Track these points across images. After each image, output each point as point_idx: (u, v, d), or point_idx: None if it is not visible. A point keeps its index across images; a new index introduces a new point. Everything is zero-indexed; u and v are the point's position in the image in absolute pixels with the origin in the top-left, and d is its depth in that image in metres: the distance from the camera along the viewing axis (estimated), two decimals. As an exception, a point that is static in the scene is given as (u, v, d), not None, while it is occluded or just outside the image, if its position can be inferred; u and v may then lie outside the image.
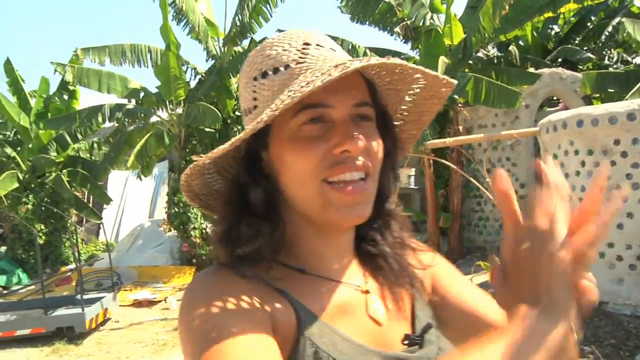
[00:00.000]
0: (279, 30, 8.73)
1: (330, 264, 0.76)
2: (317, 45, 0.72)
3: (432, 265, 0.85)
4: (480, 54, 8.71)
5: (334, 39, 8.58)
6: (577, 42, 10.70)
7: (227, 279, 0.68)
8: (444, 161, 5.74)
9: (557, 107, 9.31)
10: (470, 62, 8.51)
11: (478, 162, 8.22)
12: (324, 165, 0.68)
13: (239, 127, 9.95)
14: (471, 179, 5.58)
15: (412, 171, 12.03)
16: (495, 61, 9.02)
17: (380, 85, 0.78)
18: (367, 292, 0.77)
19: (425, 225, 9.23)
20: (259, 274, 0.69)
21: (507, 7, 6.87)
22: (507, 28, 7.77)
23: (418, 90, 0.79)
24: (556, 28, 11.51)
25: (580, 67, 10.26)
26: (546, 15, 8.24)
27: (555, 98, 9.89)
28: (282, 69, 0.70)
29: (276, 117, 0.65)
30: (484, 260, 3.75)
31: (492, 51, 9.23)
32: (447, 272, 0.89)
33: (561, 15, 10.61)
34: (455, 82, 0.77)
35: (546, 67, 8.66)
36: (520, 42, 10.24)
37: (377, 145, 0.71)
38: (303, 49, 0.71)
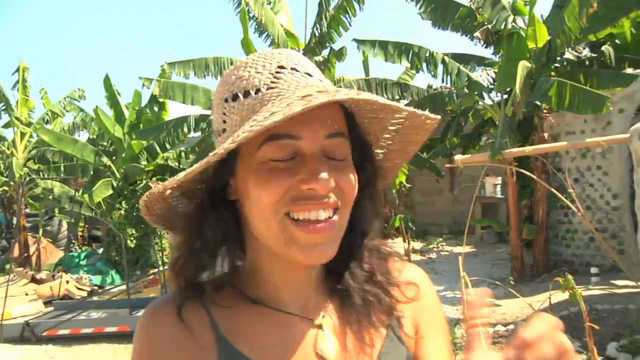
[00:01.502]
0: (355, 40, 8.74)
1: (288, 297, 0.74)
2: (292, 69, 0.69)
3: (415, 300, 0.79)
4: (570, 56, 8.19)
5: (411, 46, 8.56)
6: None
7: (154, 329, 0.71)
8: (524, 171, 5.42)
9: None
10: (557, 65, 8.03)
11: (565, 172, 7.72)
12: (287, 199, 0.65)
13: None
14: (554, 190, 5.24)
15: (499, 180, 11.55)
16: (587, 63, 8.43)
17: (361, 113, 0.74)
18: (319, 326, 0.73)
19: (510, 237, 8.80)
20: (204, 303, 0.71)
21: (595, 5, 6.38)
22: (597, 27, 7.22)
23: (402, 120, 0.74)
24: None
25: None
26: (647, 9, 7.60)
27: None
28: (252, 92, 0.68)
29: (243, 145, 0.64)
30: (571, 274, 3.50)
31: (584, 52, 8.63)
32: (432, 329, 0.81)
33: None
34: (438, 117, 0.72)
35: (646, 68, 7.96)
36: (617, 41, 9.50)
37: (351, 180, 0.68)
38: (277, 72, 0.68)
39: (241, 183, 0.69)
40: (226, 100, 0.70)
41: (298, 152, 0.65)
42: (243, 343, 0.70)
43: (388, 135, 0.78)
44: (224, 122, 0.70)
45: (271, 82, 0.67)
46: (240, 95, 0.68)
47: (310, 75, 0.70)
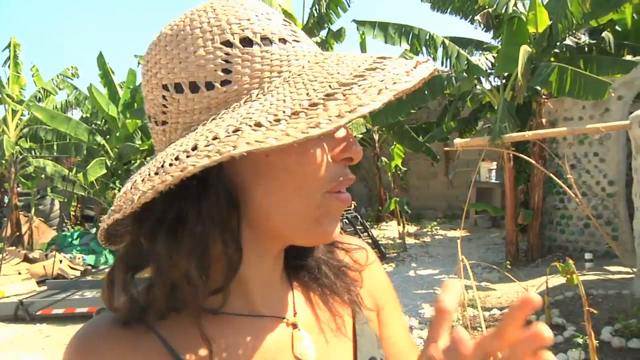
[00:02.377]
0: (354, 21, 8.62)
1: (254, 297, 0.62)
2: (263, 38, 0.55)
3: (368, 264, 0.73)
4: (569, 42, 8.14)
5: (411, 28, 8.49)
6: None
7: (94, 352, 0.56)
8: (522, 156, 5.42)
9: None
10: (557, 50, 7.99)
11: (562, 157, 7.74)
12: (330, 176, 0.58)
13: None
14: (552, 175, 5.25)
15: (494, 165, 11.56)
16: (586, 49, 8.39)
17: None
18: (294, 325, 0.64)
19: (504, 222, 8.84)
20: (148, 324, 0.58)
21: (599, -11, 6.34)
22: (600, 12, 7.16)
23: None
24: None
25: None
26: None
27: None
28: (202, 88, 0.54)
29: None
30: (564, 259, 3.51)
31: (584, 38, 8.59)
32: (386, 298, 0.76)
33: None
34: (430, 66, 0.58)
35: (646, 54, 7.93)
36: (617, 27, 9.44)
37: None
38: (226, 54, 0.54)
39: (247, 171, 0.57)
40: (166, 88, 0.56)
41: None
42: None
43: None
44: (164, 112, 0.57)
45: (224, 72, 0.54)
46: (186, 89, 0.55)
47: (285, 42, 0.57)
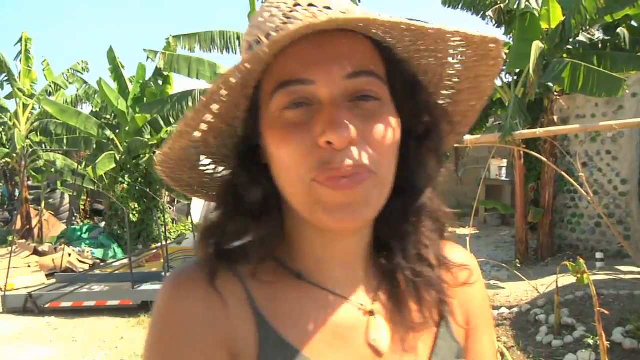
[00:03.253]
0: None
1: (332, 273, 0.63)
2: (309, 4, 0.57)
3: (467, 284, 0.70)
4: (582, 38, 8.03)
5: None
6: None
7: (181, 307, 0.59)
8: (533, 153, 5.34)
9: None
10: (570, 47, 7.87)
11: (574, 155, 7.64)
12: (311, 163, 0.55)
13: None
14: (563, 173, 5.17)
15: (504, 162, 11.47)
16: (600, 45, 8.27)
17: (404, 47, 0.61)
18: (371, 313, 0.63)
19: (514, 220, 8.77)
20: (239, 274, 0.61)
21: (614, -17, 6.22)
22: (615, 7, 7.02)
23: (461, 49, 0.61)
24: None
25: None
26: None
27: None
28: (264, 39, 0.58)
29: (262, 98, 0.57)
30: (575, 259, 3.44)
31: (597, 34, 8.46)
32: (479, 320, 0.73)
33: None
34: (497, 38, 0.59)
35: (662, 51, 7.79)
36: (633, 23, 9.28)
37: (383, 128, 0.56)
38: (290, 11, 0.57)
39: (265, 143, 0.60)
40: (246, 52, 0.63)
41: (314, 99, 0.56)
42: (285, 327, 0.60)
43: (452, 72, 0.66)
44: None
45: (282, 23, 0.57)
46: (254, 45, 0.60)
47: (329, 8, 0.57)
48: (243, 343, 0.59)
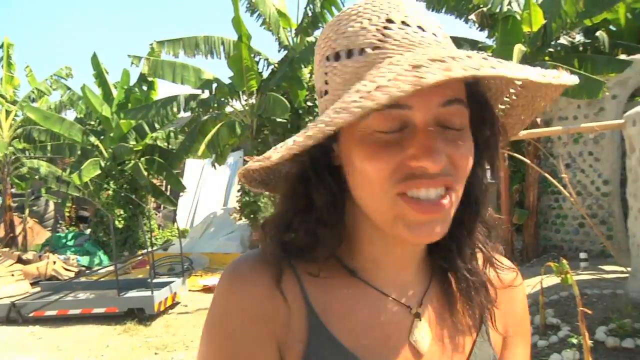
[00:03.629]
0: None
1: (386, 274, 0.67)
2: (403, 22, 0.60)
3: (511, 285, 0.74)
4: (563, 41, 8.14)
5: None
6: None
7: (244, 300, 0.63)
8: (517, 155, 5.40)
9: (650, 98, 8.55)
10: (552, 50, 7.98)
11: (557, 157, 7.73)
12: (397, 178, 0.57)
13: (311, 117, 9.97)
14: (547, 174, 5.23)
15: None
16: (581, 48, 8.40)
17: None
18: (416, 315, 0.67)
19: (499, 222, 8.83)
20: (294, 268, 0.65)
21: (593, -12, 6.33)
22: (593, 11, 7.16)
23: None
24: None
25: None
26: (642, -6, 7.56)
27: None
28: (356, 52, 0.60)
29: None
30: (559, 259, 3.48)
31: (578, 37, 8.59)
32: (517, 329, 0.76)
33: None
34: (575, 80, 0.57)
35: (640, 54, 7.93)
36: (612, 27, 9.44)
37: (466, 154, 0.60)
38: (384, 27, 0.59)
39: (344, 150, 0.62)
40: (327, 59, 0.62)
41: (408, 122, 0.58)
42: (333, 322, 0.63)
43: (513, 90, 0.69)
44: (326, 82, 0.63)
45: (378, 40, 0.59)
46: (343, 55, 0.61)
47: (424, 30, 0.60)
48: (293, 335, 0.63)
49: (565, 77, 0.55)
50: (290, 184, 0.67)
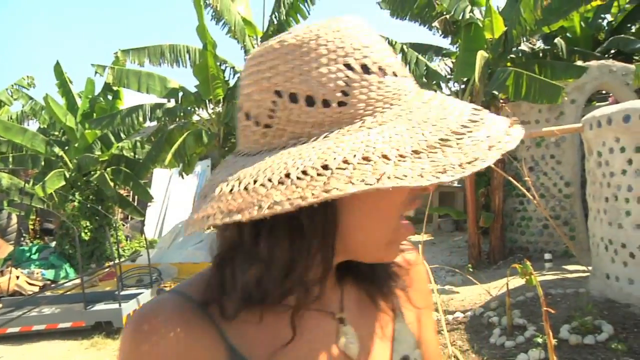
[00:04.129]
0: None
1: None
2: (375, 69, 0.57)
3: (416, 264, 0.78)
4: (524, 47, 8.37)
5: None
6: (632, 31, 10.10)
7: (159, 346, 0.58)
8: (481, 159, 5.50)
9: (607, 102, 8.85)
10: (513, 56, 8.20)
11: (521, 160, 7.92)
12: (407, 203, 0.62)
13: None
14: (510, 178, 5.35)
15: (455, 168, 11.73)
16: (541, 54, 8.65)
17: None
18: (341, 320, 0.68)
19: (467, 225, 8.98)
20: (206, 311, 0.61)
21: (549, -3, 6.54)
22: (550, 19, 7.40)
23: None
24: (609, 17, 10.88)
25: (636, 58, 9.66)
26: (594, 4, 7.82)
27: (605, 92, 9.40)
28: (318, 103, 0.55)
29: None
30: (524, 261, 3.56)
31: (538, 44, 8.85)
32: (425, 301, 0.80)
33: (615, 3, 10.05)
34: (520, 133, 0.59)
35: (595, 60, 8.21)
36: (568, 34, 9.78)
37: None
38: (346, 78, 0.56)
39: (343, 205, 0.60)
40: (279, 95, 0.56)
41: None
42: (257, 351, 0.61)
43: None
44: (271, 117, 0.57)
45: (342, 95, 0.55)
46: (302, 101, 0.55)
47: (395, 75, 0.59)
48: None
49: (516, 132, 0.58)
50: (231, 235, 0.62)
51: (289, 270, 0.58)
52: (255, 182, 0.52)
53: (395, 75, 0.59)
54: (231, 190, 0.53)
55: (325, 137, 0.54)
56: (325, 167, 0.50)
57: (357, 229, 0.60)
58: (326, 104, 0.55)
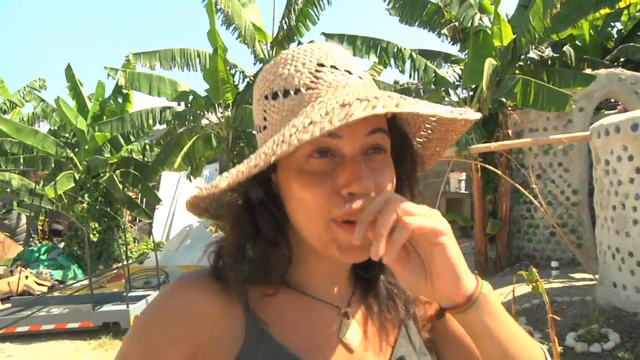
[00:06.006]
0: (323, 34, 8.73)
1: (318, 284, 0.75)
2: (332, 66, 0.69)
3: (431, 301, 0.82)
4: (533, 55, 8.38)
5: (379, 41, 8.58)
6: (642, 39, 10.07)
7: (185, 302, 0.68)
8: (489, 167, 5.53)
9: (615, 110, 8.83)
10: (521, 63, 8.20)
11: (528, 168, 7.92)
12: (331, 205, 0.65)
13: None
14: (518, 185, 5.37)
15: (463, 175, 11.73)
16: (549, 62, 8.65)
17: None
18: (345, 314, 0.75)
19: (474, 232, 8.97)
20: (240, 282, 0.70)
21: (558, 6, 6.54)
22: (559, 27, 7.41)
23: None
24: (619, 25, 10.86)
25: (646, 66, 9.64)
26: (603, 11, 7.81)
27: (614, 100, 9.38)
28: (292, 92, 0.67)
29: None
30: (530, 268, 3.56)
31: (547, 52, 8.85)
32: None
33: (625, 11, 10.03)
34: (478, 116, 0.70)
35: (604, 68, 8.21)
36: (577, 42, 9.77)
37: (390, 177, 0.68)
38: (316, 70, 0.68)
39: (283, 180, 0.69)
40: (266, 97, 0.70)
41: (337, 151, 0.66)
42: (270, 324, 0.70)
43: (429, 125, 0.79)
44: (265, 119, 0.70)
45: (310, 82, 0.67)
46: (280, 95, 0.68)
47: (350, 73, 0.69)
48: (226, 334, 0.68)
49: (470, 114, 0.67)
50: (236, 213, 0.72)
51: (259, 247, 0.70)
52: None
53: (350, 73, 0.69)
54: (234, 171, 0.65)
55: (292, 119, 0.65)
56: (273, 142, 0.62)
57: (297, 224, 0.69)
58: (297, 91, 0.67)
